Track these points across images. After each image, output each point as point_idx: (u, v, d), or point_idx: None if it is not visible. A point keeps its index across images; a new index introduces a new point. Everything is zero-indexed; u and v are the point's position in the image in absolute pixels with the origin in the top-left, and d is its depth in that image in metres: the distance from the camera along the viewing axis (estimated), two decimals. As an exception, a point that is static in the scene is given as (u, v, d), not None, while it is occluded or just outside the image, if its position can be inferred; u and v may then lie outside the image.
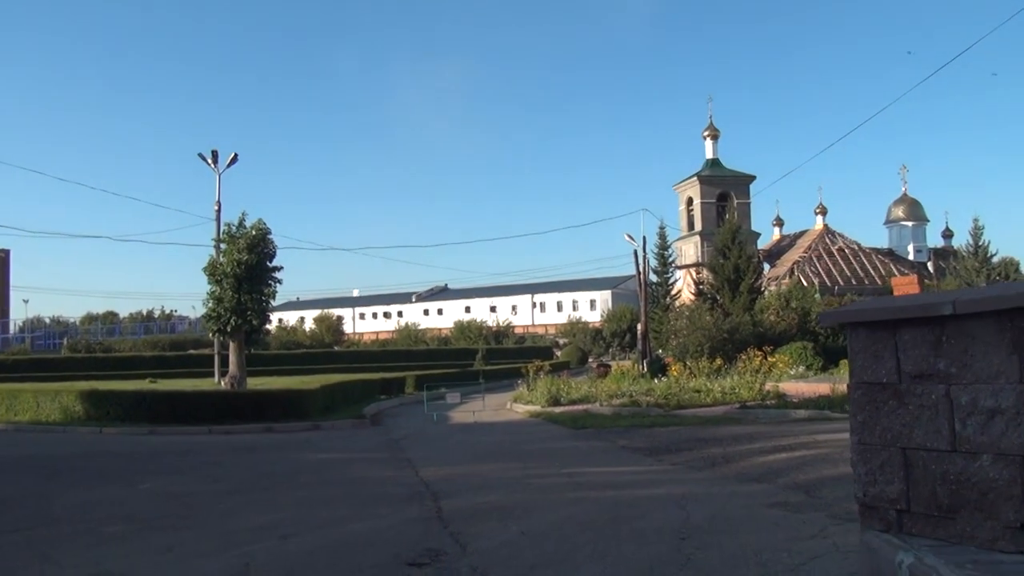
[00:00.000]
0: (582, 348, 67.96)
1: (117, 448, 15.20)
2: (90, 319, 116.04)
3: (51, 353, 69.88)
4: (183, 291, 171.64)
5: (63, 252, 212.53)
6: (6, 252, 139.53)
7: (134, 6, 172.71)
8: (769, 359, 26.60)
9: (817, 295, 48.65)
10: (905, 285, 26.69)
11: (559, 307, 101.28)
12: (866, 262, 64.53)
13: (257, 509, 8.56)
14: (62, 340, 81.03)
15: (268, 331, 51.37)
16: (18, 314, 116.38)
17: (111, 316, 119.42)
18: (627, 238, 45.40)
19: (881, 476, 2.95)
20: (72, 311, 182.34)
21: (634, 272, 43.02)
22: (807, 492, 8.51)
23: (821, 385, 22.14)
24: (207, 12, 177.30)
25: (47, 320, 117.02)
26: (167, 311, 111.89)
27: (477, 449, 14.40)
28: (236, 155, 33.89)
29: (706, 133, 71.07)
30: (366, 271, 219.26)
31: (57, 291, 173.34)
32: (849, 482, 9.17)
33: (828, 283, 60.32)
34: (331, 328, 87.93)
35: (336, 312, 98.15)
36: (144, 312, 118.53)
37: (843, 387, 19.43)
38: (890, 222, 71.18)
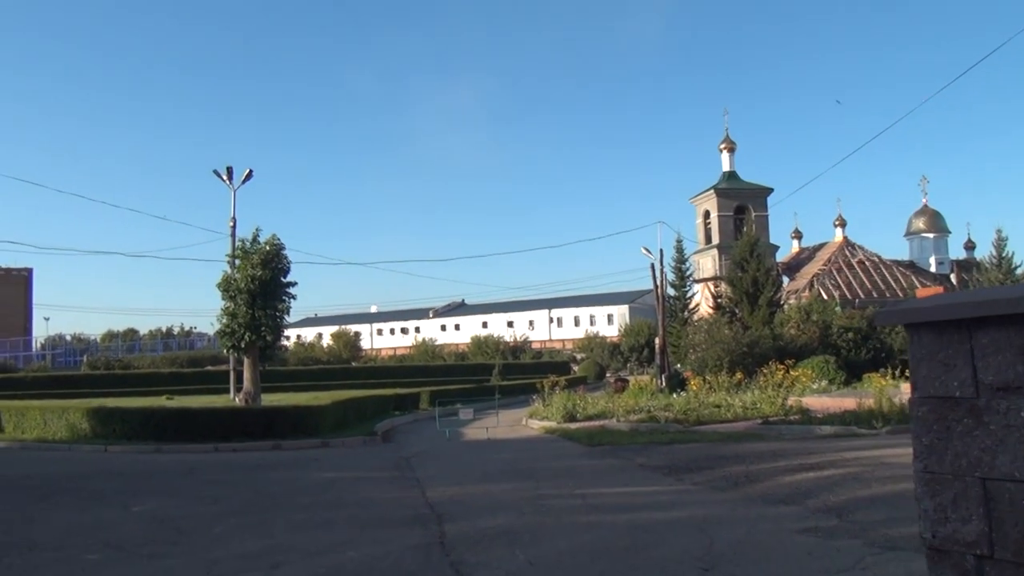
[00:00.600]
0: (599, 363, 67.24)
1: (118, 467, 14.77)
2: (110, 336, 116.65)
3: (71, 370, 70.10)
4: (203, 307, 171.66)
5: (84, 270, 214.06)
6: (28, 271, 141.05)
7: (152, 23, 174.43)
8: (792, 373, 25.88)
9: (838, 308, 47.93)
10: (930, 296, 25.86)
11: (576, 322, 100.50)
12: (887, 274, 63.51)
13: (251, 533, 8.06)
14: (82, 357, 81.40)
15: (283, 347, 51.15)
16: (40, 331, 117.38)
17: (131, 333, 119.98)
18: (644, 251, 44.89)
19: (954, 513, 2.39)
20: (94, 328, 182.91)
21: (651, 287, 42.52)
22: (839, 516, 7.90)
23: (846, 400, 21.43)
24: (225, 28, 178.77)
25: (68, 337, 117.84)
26: (186, 328, 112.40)
27: (488, 467, 13.82)
28: (251, 171, 33.64)
29: (722, 145, 70.44)
30: (384, 287, 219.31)
31: (79, 309, 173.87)
32: (884, 504, 8.62)
33: (848, 296, 59.39)
34: (348, 344, 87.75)
35: (354, 328, 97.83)
36: (164, 329, 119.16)
37: (869, 401, 18.86)
38: (911, 234, 70.13)
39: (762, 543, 6.96)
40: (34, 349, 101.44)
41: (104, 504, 10.12)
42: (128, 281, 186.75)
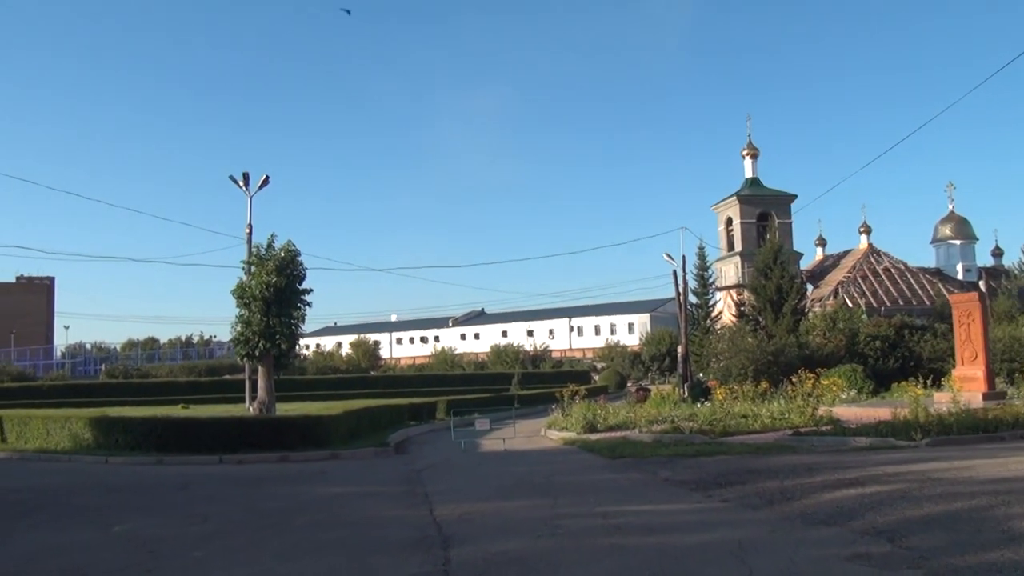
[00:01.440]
0: (620, 372, 66.33)
1: (113, 480, 14.09)
2: (131, 345, 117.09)
3: (89, 379, 70.12)
4: (224, 316, 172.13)
5: (107, 279, 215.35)
6: (50, 279, 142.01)
7: (174, 37, 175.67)
8: (823, 381, 24.92)
9: (864, 316, 46.87)
10: (965, 302, 24.78)
11: (597, 331, 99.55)
12: (913, 282, 62.20)
13: (235, 559, 7.33)
14: (101, 366, 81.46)
15: (298, 356, 50.69)
16: (61, 340, 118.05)
17: (151, 342, 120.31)
18: (666, 257, 44.01)
19: None
20: (116, 337, 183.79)
21: (673, 295, 41.78)
22: (891, 540, 7.03)
23: (880, 410, 20.42)
24: (246, 39, 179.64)
25: (88, 346, 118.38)
26: (206, 337, 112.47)
27: (503, 482, 13.02)
28: (267, 177, 33.09)
29: (745, 152, 69.45)
30: (404, 295, 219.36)
31: (102, 317, 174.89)
32: (941, 527, 7.68)
33: (874, 304, 58.19)
34: (367, 353, 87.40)
35: (373, 337, 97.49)
36: (183, 338, 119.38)
37: (905, 412, 17.89)
38: (937, 241, 68.81)
39: (807, 574, 6.14)
40: (55, 357, 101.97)
41: (84, 523, 9.41)
42: (151, 290, 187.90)
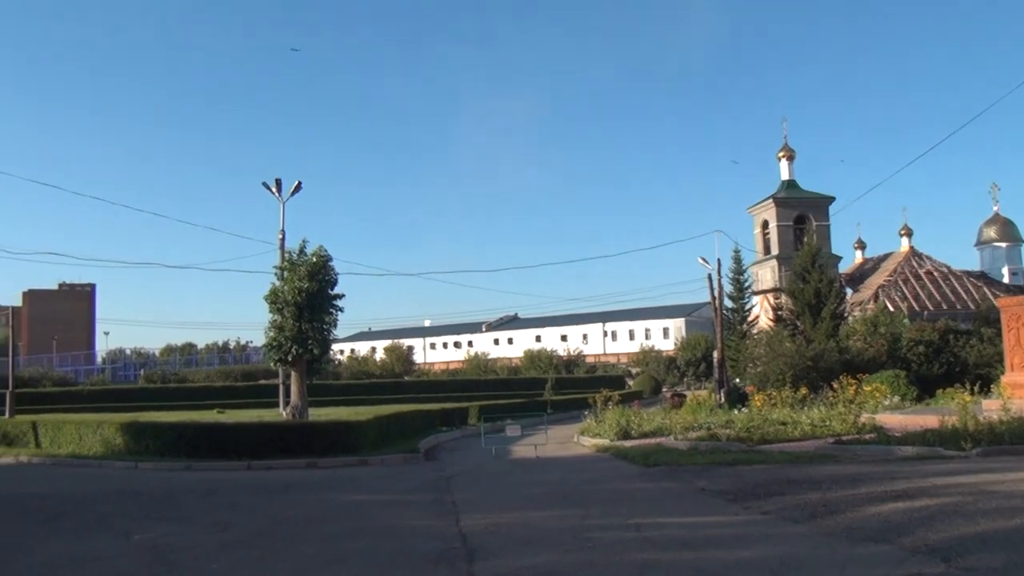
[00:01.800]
0: (655, 377, 65.68)
1: (140, 486, 13.96)
2: (169, 350, 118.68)
3: (128, 384, 70.93)
4: (261, 321, 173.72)
5: (145, 284, 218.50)
6: (91, 286, 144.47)
7: (202, 46, 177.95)
8: (865, 388, 24.18)
9: (906, 320, 45.84)
10: (1014, 306, 23.98)
11: (631, 335, 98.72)
12: (957, 285, 60.64)
13: (250, 570, 7.07)
14: (140, 371, 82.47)
15: (331, 360, 50.61)
16: (103, 346, 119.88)
17: (189, 347, 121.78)
18: (701, 261, 43.27)
19: None
20: (156, 343, 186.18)
21: (708, 299, 41.14)
22: (945, 560, 6.54)
23: (926, 417, 19.72)
24: (276, 48, 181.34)
25: (127, 351, 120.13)
26: (242, 342, 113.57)
27: (533, 490, 12.64)
28: (300, 183, 33.00)
29: (781, 154, 68.39)
30: (438, 300, 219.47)
31: (142, 323, 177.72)
32: (999, 546, 7.10)
33: (916, 308, 56.79)
34: (401, 358, 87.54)
35: (407, 342, 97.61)
36: (220, 343, 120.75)
37: (953, 419, 17.18)
38: (981, 243, 67.23)
39: (856, 596, 5.71)
40: (97, 363, 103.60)
41: (105, 531, 9.21)
42: (191, 296, 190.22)
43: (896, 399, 27.97)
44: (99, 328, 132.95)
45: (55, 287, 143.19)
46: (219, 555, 7.73)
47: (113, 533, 9.06)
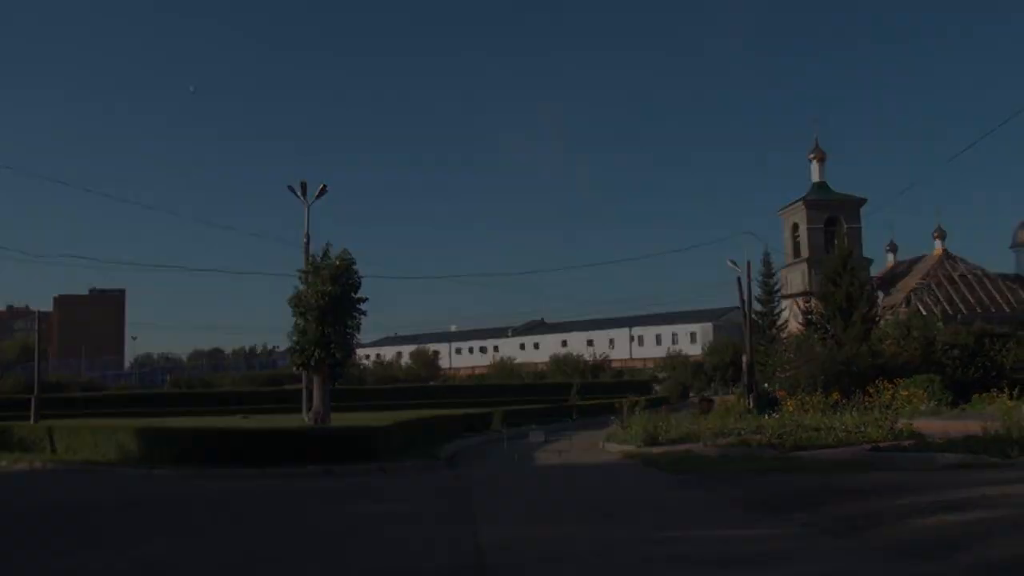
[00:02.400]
0: (682, 382, 64.89)
1: (147, 495, 13.57)
2: (196, 355, 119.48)
3: (154, 389, 71.29)
4: (287, 326, 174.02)
5: (178, 290, 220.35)
6: (121, 291, 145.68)
7: (231, 46, 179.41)
8: (902, 392, 23.40)
9: (940, 323, 44.79)
10: (1056, 308, 23.09)
11: (658, 340, 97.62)
12: (992, 289, 59.25)
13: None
14: (167, 376, 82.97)
15: (356, 365, 50.30)
16: (130, 350, 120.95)
17: (216, 352, 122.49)
18: (730, 264, 42.50)
19: None
20: (184, 348, 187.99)
21: (736, 304, 40.42)
22: (1010, 581, 5.91)
23: (967, 423, 18.94)
24: (304, 49, 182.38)
25: (156, 356, 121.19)
26: (268, 347, 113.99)
27: (556, 499, 12.11)
28: (325, 186, 32.78)
29: (811, 155, 67.32)
30: (464, 305, 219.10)
31: (171, 328, 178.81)
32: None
33: (950, 311, 55.53)
34: (427, 363, 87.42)
35: (433, 347, 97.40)
36: (247, 348, 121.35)
37: (997, 425, 16.42)
38: (1017, 245, 65.71)
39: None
40: (126, 367, 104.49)
41: (99, 545, 8.73)
42: (218, 301, 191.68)
43: (932, 404, 27.20)
44: (128, 333, 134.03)
45: (86, 292, 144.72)
46: (216, 573, 7.24)
47: (106, 548, 8.55)
